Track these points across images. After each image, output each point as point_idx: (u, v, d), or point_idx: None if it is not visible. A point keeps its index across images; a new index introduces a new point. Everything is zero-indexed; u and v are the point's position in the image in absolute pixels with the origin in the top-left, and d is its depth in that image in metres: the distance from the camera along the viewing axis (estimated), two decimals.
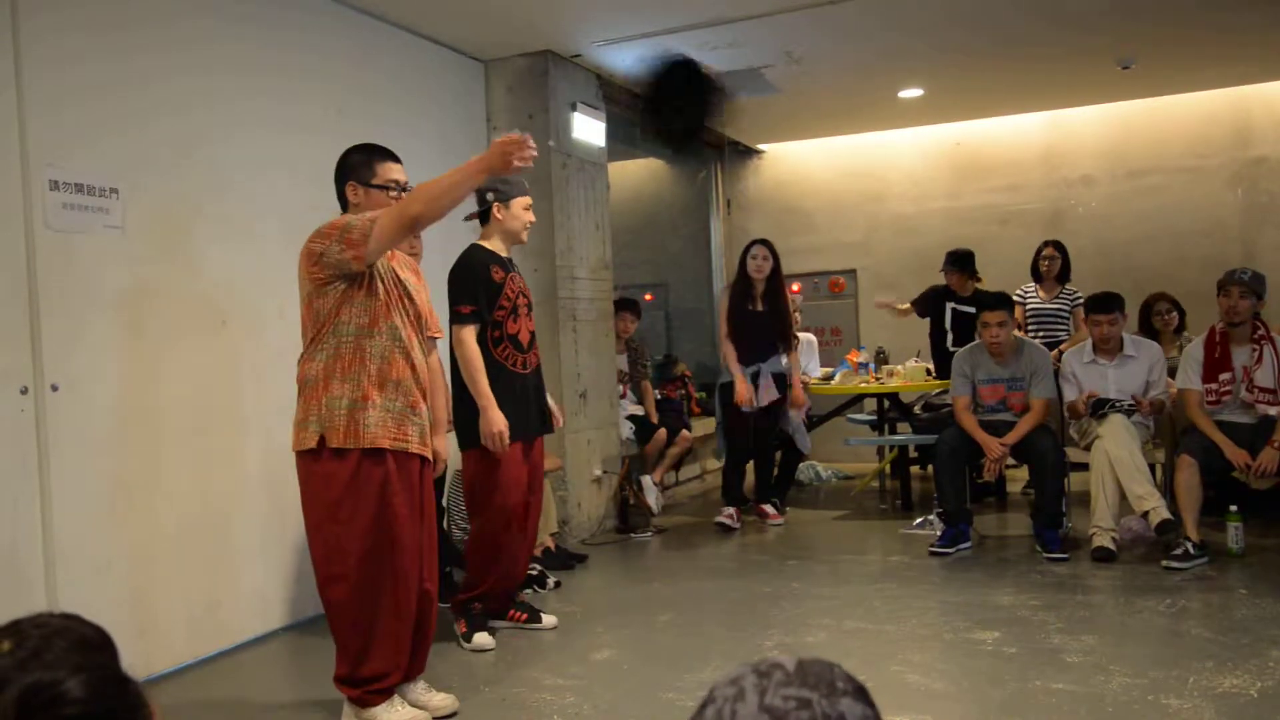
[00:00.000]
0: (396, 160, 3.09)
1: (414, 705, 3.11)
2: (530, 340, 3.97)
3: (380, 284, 2.95)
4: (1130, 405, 5.00)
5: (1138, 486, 4.74)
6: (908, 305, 6.90)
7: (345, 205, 3.06)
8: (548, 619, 4.10)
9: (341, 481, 2.91)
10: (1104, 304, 5.14)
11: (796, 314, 7.25)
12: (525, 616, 4.08)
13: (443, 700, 3.18)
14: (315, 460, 2.94)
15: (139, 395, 3.65)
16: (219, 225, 4.00)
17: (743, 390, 5.79)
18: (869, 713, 0.85)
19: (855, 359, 6.80)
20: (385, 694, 3.05)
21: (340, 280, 2.91)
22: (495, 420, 3.69)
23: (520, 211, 3.92)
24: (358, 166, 3.04)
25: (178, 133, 3.84)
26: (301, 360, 3.02)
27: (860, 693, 0.86)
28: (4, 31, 3.26)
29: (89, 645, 1.07)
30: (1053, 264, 6.41)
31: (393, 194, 3.02)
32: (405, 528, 2.98)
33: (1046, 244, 6.52)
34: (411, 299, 3.08)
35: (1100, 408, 5.02)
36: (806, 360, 6.87)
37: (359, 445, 2.90)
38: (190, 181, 3.88)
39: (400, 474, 2.98)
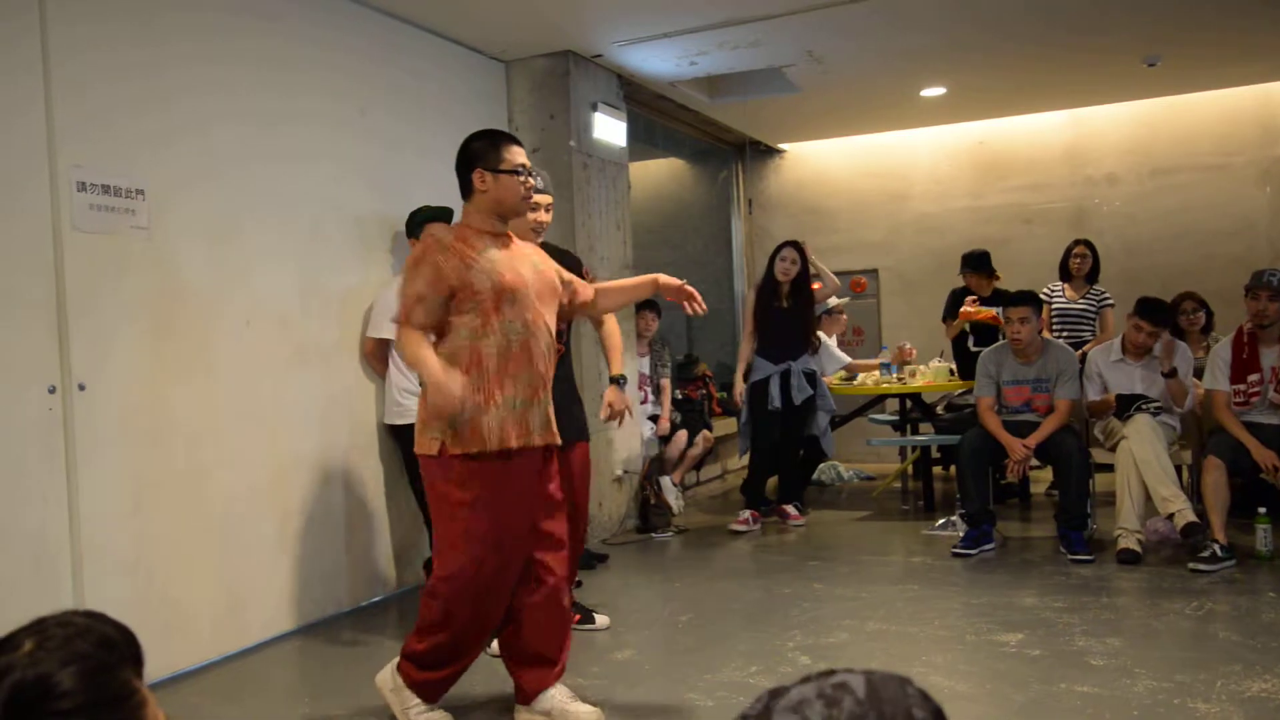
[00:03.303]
0: (520, 144, 3.04)
1: (553, 713, 3.04)
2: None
3: (486, 286, 2.87)
4: (1157, 406, 4.95)
5: (1163, 488, 4.70)
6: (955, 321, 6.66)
7: (470, 192, 2.99)
8: (601, 619, 4.06)
9: (463, 482, 2.87)
10: (1156, 314, 5.04)
11: (843, 316, 7.24)
12: (579, 618, 3.98)
13: (588, 711, 3.07)
14: (435, 462, 2.91)
15: (165, 394, 3.68)
16: (243, 225, 4.03)
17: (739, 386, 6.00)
18: None
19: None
20: (437, 689, 3.02)
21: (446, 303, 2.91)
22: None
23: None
24: (483, 153, 2.97)
25: (203, 134, 3.87)
26: None
27: (937, 716, 0.78)
28: (33, 34, 3.30)
29: (106, 643, 1.07)
30: (1084, 263, 6.34)
31: (521, 178, 2.98)
32: (519, 526, 2.94)
33: (1077, 243, 6.45)
34: (539, 275, 3.01)
35: (1127, 407, 4.97)
36: (825, 362, 6.81)
37: (484, 449, 2.86)
38: (215, 181, 3.91)
39: (523, 470, 2.94)
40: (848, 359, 7.07)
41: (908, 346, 6.77)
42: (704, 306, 3.18)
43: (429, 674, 3.00)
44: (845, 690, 0.76)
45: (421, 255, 2.91)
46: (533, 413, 2.95)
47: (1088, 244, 6.43)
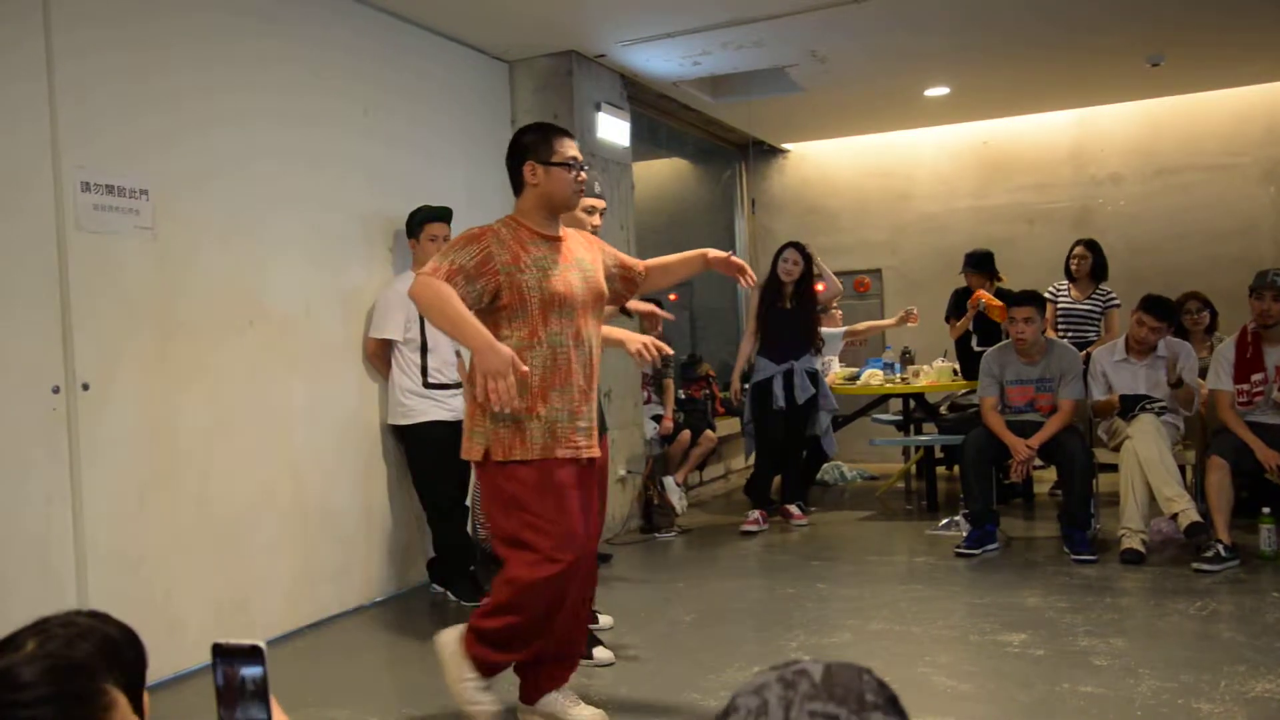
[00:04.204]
0: (572, 137, 2.99)
1: (557, 716, 3.01)
2: None
3: (535, 295, 2.83)
4: (1162, 405, 4.94)
5: (1167, 488, 4.69)
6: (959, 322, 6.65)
7: (520, 186, 2.95)
8: (604, 619, 4.04)
9: (514, 486, 2.82)
10: (1161, 311, 5.04)
11: (837, 311, 7.21)
12: None
13: (592, 714, 3.05)
14: (482, 469, 2.88)
15: (168, 394, 3.69)
16: (246, 225, 4.04)
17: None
18: None
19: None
20: (493, 669, 2.94)
21: (484, 299, 2.82)
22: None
23: (580, 215, 3.57)
24: (535, 146, 2.92)
25: (206, 134, 3.87)
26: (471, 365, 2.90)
27: (892, 704, 0.82)
28: (37, 36, 3.31)
29: (108, 644, 1.08)
30: (1082, 263, 6.31)
31: (573, 172, 2.93)
32: (575, 525, 2.87)
33: (1078, 243, 6.41)
34: (588, 283, 2.96)
35: (1131, 407, 4.96)
36: (830, 343, 6.73)
37: (526, 458, 2.81)
38: (218, 182, 3.92)
39: (568, 477, 2.88)
40: (843, 329, 6.96)
41: (914, 311, 6.61)
42: (754, 278, 3.16)
43: (492, 653, 2.90)
44: (803, 675, 0.82)
45: (477, 235, 2.84)
46: (576, 425, 2.91)
47: (1088, 244, 6.36)
